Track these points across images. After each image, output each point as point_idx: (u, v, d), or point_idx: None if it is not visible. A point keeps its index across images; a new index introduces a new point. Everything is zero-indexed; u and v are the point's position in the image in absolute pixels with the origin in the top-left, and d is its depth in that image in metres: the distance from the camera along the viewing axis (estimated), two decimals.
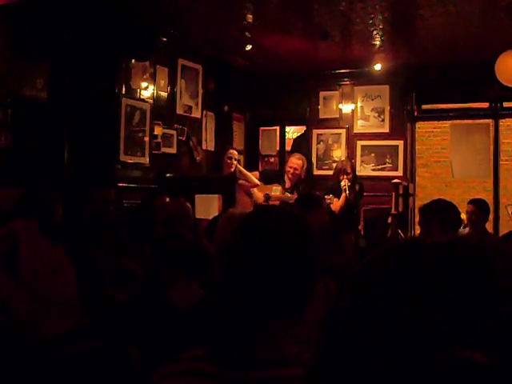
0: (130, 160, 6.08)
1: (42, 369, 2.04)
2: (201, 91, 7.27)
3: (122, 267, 3.03)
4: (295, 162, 6.87)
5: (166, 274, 2.57)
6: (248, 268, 1.22)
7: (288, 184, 6.83)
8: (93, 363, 2.10)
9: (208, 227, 3.98)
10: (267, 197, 6.62)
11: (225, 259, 1.27)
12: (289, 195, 6.63)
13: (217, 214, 5.19)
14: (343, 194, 6.68)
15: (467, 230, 5.72)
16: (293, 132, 9.59)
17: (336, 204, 6.67)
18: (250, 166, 7.91)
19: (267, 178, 6.90)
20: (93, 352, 2.13)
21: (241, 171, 6.86)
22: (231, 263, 1.26)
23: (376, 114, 8.02)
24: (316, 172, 8.15)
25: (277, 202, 6.45)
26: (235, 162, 6.88)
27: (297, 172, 6.79)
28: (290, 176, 6.81)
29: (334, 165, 7.36)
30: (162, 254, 2.67)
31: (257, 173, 6.99)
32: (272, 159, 8.97)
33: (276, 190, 6.77)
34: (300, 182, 6.87)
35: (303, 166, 6.83)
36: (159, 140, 6.53)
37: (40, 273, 2.32)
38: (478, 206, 5.63)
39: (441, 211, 3.62)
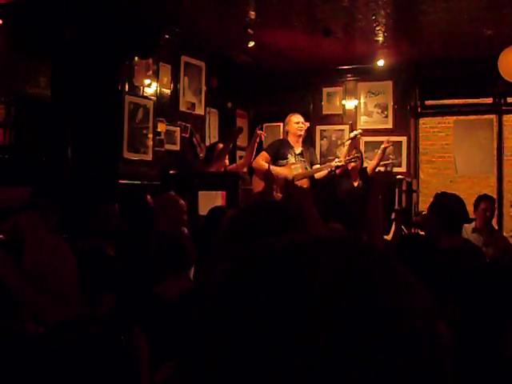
0: (134, 157, 6.10)
1: (43, 355, 2.07)
2: (204, 88, 7.27)
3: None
4: (299, 117, 6.54)
5: (154, 272, 2.59)
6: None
7: (297, 146, 6.49)
8: (94, 350, 2.12)
9: (207, 219, 3.99)
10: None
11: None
12: (310, 169, 6.41)
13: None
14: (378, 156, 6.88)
15: (473, 225, 5.70)
16: None
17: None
18: None
19: (277, 152, 6.50)
20: (94, 338, 2.15)
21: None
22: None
23: (379, 110, 8.01)
24: None
25: (304, 181, 6.23)
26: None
27: (303, 128, 6.50)
28: (299, 134, 6.47)
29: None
30: (149, 253, 2.70)
31: (264, 153, 6.60)
32: None
33: (296, 169, 6.39)
34: (306, 144, 6.65)
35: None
36: (162, 137, 6.54)
37: (43, 262, 2.37)
38: (493, 202, 5.67)
39: (439, 206, 3.62)
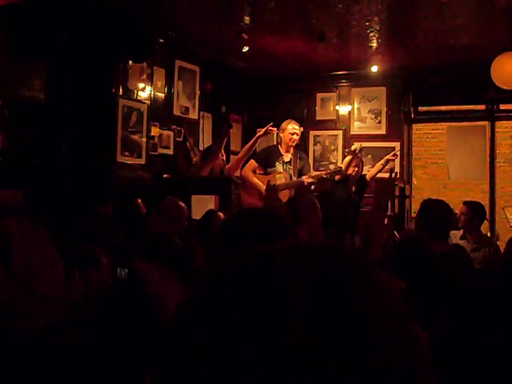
0: (127, 161, 6.10)
1: (31, 358, 2.07)
2: (198, 92, 7.28)
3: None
4: (295, 127, 6.44)
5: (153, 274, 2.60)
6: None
7: (287, 155, 6.43)
8: (79, 353, 2.12)
9: (200, 223, 3.99)
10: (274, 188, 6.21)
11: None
12: (295, 179, 6.31)
13: None
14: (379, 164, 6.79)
15: (461, 231, 5.73)
16: None
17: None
18: None
19: (266, 161, 6.48)
20: (79, 343, 2.16)
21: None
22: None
23: (373, 116, 8.04)
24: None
25: (286, 192, 6.11)
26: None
27: (297, 139, 6.44)
28: (290, 144, 6.40)
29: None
30: (149, 256, 2.70)
31: (252, 161, 6.56)
32: None
33: (280, 178, 6.33)
34: (297, 152, 6.57)
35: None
36: (156, 141, 6.55)
37: (31, 268, 2.36)
38: (470, 207, 5.62)
39: (426, 213, 3.63)
